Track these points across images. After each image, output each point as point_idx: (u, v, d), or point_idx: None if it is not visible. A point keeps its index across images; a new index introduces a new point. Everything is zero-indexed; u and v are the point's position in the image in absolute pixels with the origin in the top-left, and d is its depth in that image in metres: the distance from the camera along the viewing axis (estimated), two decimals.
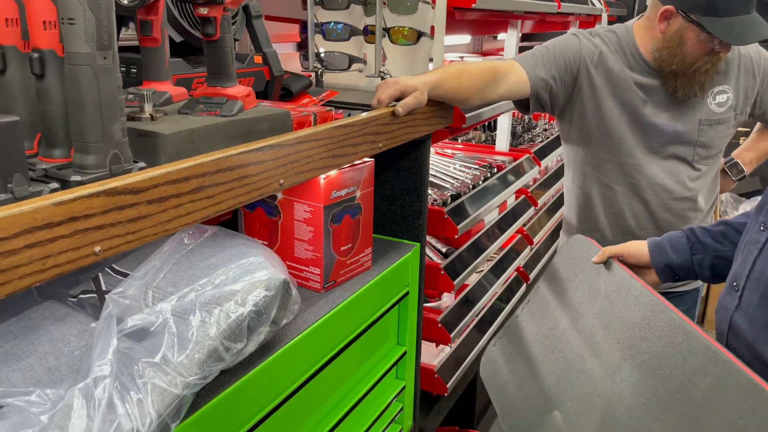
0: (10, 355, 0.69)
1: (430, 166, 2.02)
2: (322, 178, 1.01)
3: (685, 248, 1.15)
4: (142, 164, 0.67)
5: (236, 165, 0.76)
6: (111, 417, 0.64)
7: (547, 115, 3.00)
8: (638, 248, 1.18)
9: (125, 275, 0.86)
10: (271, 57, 1.20)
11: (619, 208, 1.54)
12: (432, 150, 2.25)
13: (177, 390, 0.70)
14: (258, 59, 1.19)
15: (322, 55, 1.42)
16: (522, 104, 1.49)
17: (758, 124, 1.69)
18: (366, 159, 1.12)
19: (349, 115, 1.13)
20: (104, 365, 0.66)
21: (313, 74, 1.40)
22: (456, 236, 1.59)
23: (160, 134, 0.70)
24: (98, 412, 0.63)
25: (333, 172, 1.03)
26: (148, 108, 0.77)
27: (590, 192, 1.57)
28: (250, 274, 0.85)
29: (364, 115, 1.04)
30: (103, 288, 0.83)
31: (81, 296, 0.82)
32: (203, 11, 0.78)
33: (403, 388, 1.34)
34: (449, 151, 2.24)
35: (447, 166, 2.00)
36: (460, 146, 2.38)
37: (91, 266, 0.86)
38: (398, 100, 1.14)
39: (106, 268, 0.86)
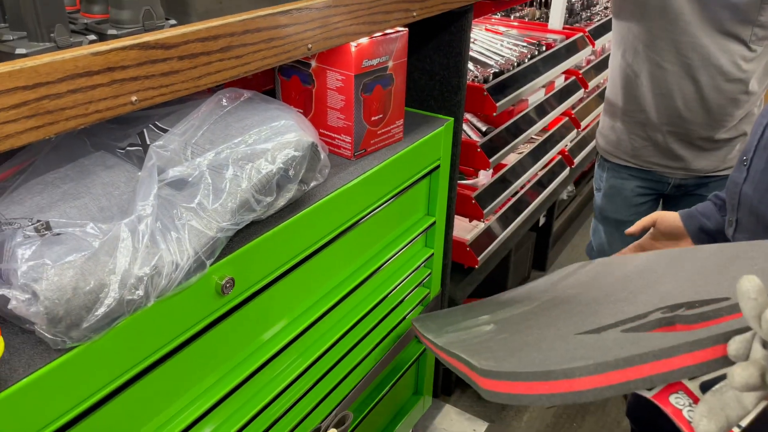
0: (67, 194, 0.78)
1: (477, 42, 1.99)
2: (353, 46, 1.03)
3: (714, 211, 1.15)
4: (173, 21, 0.71)
5: (264, 27, 0.80)
6: (154, 250, 0.74)
7: None
8: (670, 216, 1.20)
9: (166, 131, 0.93)
10: None
11: (668, 89, 1.49)
12: (482, 27, 2.19)
13: (212, 232, 0.79)
14: None
15: None
16: None
17: None
18: (400, 28, 1.12)
19: None
20: (147, 205, 0.75)
21: None
22: (494, 114, 1.60)
23: None
24: (142, 244, 0.72)
25: (364, 40, 1.05)
26: None
27: (639, 71, 1.53)
28: (280, 135, 0.91)
29: None
30: (148, 142, 0.91)
31: (129, 148, 0.90)
32: None
33: (431, 255, 1.42)
34: (501, 29, 2.17)
35: (495, 43, 1.95)
36: (513, 23, 2.30)
37: (138, 122, 0.94)
38: None
39: (150, 125, 0.93)
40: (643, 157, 1.61)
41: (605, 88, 2.57)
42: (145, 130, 0.93)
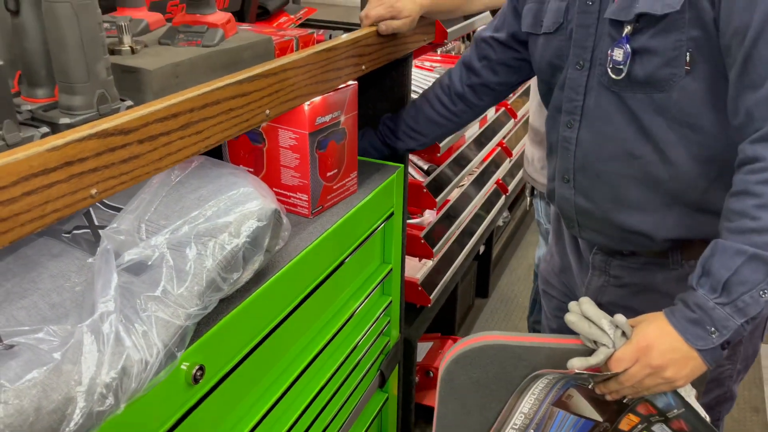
0: (12, 293, 0.70)
1: (412, 81, 2.00)
2: (306, 105, 1.00)
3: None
4: (129, 102, 0.66)
5: (223, 98, 0.76)
6: (120, 349, 0.67)
7: None
8: None
9: (117, 209, 0.86)
10: None
11: None
12: (414, 63, 2.21)
13: (180, 321, 0.73)
14: None
15: None
16: None
17: None
18: (349, 82, 1.11)
19: (330, 36, 1.11)
20: (108, 301, 0.68)
21: None
22: (438, 154, 1.61)
23: (145, 70, 0.69)
24: (107, 346, 0.65)
25: (317, 98, 1.02)
26: (128, 39, 0.74)
27: None
28: (241, 205, 0.86)
29: (347, 37, 1.02)
30: (96, 223, 0.84)
31: (75, 232, 0.83)
32: None
33: (390, 302, 1.40)
34: (428, 64, 2.20)
35: (427, 81, 1.97)
36: (439, 58, 2.33)
37: None
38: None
39: (97, 203, 0.86)
40: None
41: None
42: (91, 209, 0.86)
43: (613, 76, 0.95)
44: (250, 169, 1.11)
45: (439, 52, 2.42)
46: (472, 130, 2.02)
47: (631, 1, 0.92)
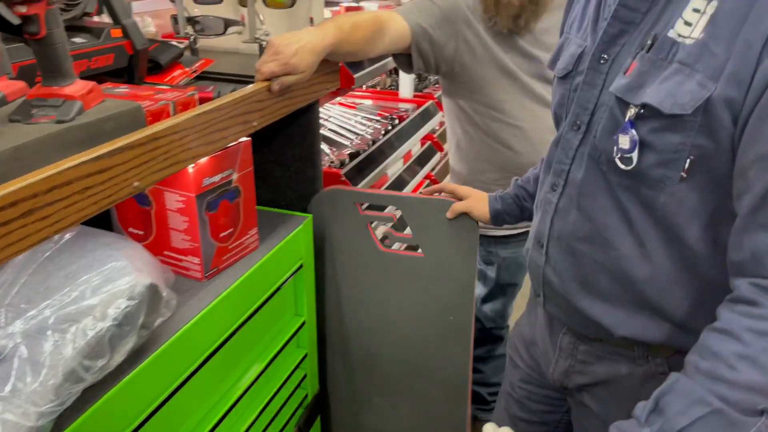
0: None
1: (332, 120, 1.98)
2: (191, 167, 0.96)
3: (515, 210, 1.27)
4: None
5: (75, 177, 0.71)
6: None
7: None
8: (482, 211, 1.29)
9: None
10: (131, 29, 1.10)
11: (538, 140, 1.58)
12: (337, 100, 2.20)
13: (30, 422, 0.68)
14: (117, 32, 1.09)
15: (197, 18, 1.33)
16: (404, 60, 1.47)
17: None
18: (242, 138, 1.07)
19: (219, 93, 1.07)
20: None
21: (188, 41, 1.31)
22: None
23: None
24: None
25: (203, 159, 0.98)
26: None
27: (491, 133, 1.59)
28: (111, 283, 0.81)
29: (232, 96, 0.98)
30: None
31: None
32: (22, 9, 0.70)
33: (305, 356, 1.36)
34: (351, 101, 2.19)
35: (349, 119, 1.96)
36: (365, 94, 2.33)
37: None
38: None
39: None
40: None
41: None
42: None
43: (622, 166, 0.83)
44: (140, 232, 1.06)
45: (364, 87, 2.42)
46: (396, 167, 2.01)
47: (641, 81, 0.81)
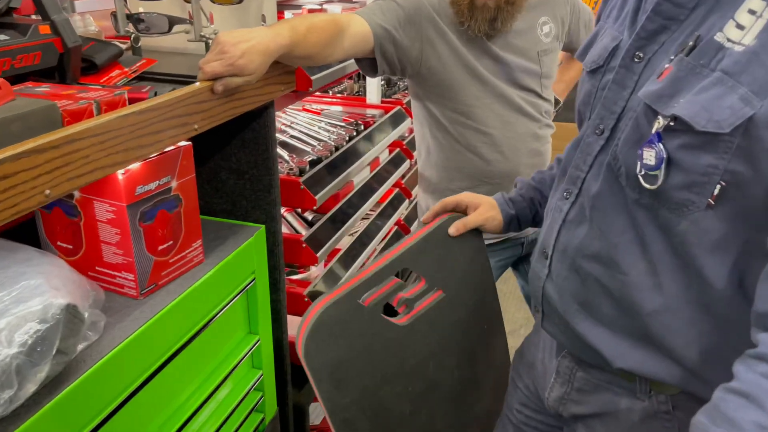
0: None
1: (296, 126, 1.90)
2: (120, 173, 0.88)
3: (528, 215, 1.14)
4: None
5: None
6: None
7: None
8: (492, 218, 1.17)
9: None
10: (62, 25, 1.01)
11: (500, 148, 1.54)
12: (300, 106, 2.12)
13: None
14: (45, 29, 1.00)
15: (140, 16, 1.24)
16: (368, 64, 1.40)
17: (563, 55, 1.82)
18: (181, 143, 0.99)
19: (155, 93, 0.99)
20: None
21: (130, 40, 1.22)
22: (315, 207, 1.50)
23: None
24: None
25: (135, 165, 0.90)
26: None
27: (461, 139, 1.54)
28: (22, 304, 0.72)
29: (166, 97, 0.90)
30: None
31: None
32: None
33: (260, 376, 1.27)
34: (317, 107, 2.11)
35: (312, 125, 1.88)
36: (331, 99, 2.25)
37: None
38: None
39: None
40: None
41: None
42: None
43: (646, 185, 0.74)
44: (69, 246, 0.97)
45: (331, 93, 2.35)
46: (362, 175, 1.94)
47: (675, 89, 0.71)
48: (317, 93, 2.28)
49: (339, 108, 2.15)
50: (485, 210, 1.17)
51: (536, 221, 1.18)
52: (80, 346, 0.80)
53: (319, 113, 2.02)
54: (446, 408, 1.21)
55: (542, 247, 0.94)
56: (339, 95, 2.34)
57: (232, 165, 1.31)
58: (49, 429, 0.75)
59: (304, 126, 1.86)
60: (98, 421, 0.83)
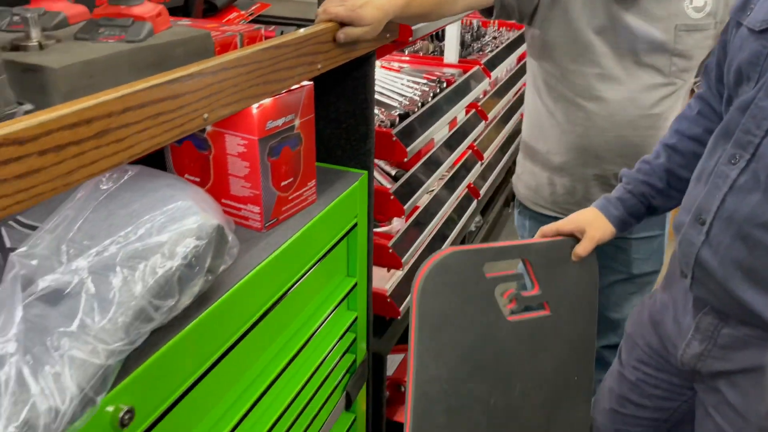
0: None
1: (377, 82, 1.91)
2: (255, 108, 0.91)
3: (639, 207, 1.13)
4: (28, 107, 0.56)
5: (148, 101, 0.66)
6: (23, 398, 0.57)
7: (497, 22, 2.88)
8: (600, 226, 1.12)
9: (33, 228, 0.76)
10: None
11: (583, 126, 1.44)
12: (378, 63, 2.13)
13: (100, 360, 0.63)
14: None
15: None
16: (486, 10, 1.38)
17: None
18: (304, 82, 1.02)
19: (281, 33, 1.01)
20: (9, 342, 0.58)
21: None
22: (405, 159, 1.52)
23: (49, 68, 0.59)
24: (5, 395, 0.55)
25: (267, 100, 0.93)
26: (36, 34, 0.64)
27: (554, 110, 1.48)
28: (178, 222, 0.76)
29: (300, 33, 0.92)
30: (7, 245, 0.74)
31: None
32: None
33: (356, 318, 1.31)
34: (396, 65, 2.12)
35: (394, 81, 1.89)
36: (407, 58, 2.25)
37: None
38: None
39: (10, 221, 0.76)
40: (561, 205, 1.56)
41: (503, 118, 2.58)
42: (2, 229, 0.75)
43: None
44: (197, 179, 1.01)
45: (406, 52, 2.35)
46: (442, 133, 1.94)
47: None
48: (393, 52, 2.28)
49: (414, 67, 2.15)
50: (593, 230, 1.11)
51: (650, 212, 1.15)
52: (222, 268, 0.84)
53: (398, 70, 2.03)
54: None
55: (698, 212, 0.91)
56: (414, 54, 2.34)
57: (330, 114, 1.34)
58: (197, 342, 0.80)
59: (386, 83, 1.87)
60: (233, 340, 0.88)
